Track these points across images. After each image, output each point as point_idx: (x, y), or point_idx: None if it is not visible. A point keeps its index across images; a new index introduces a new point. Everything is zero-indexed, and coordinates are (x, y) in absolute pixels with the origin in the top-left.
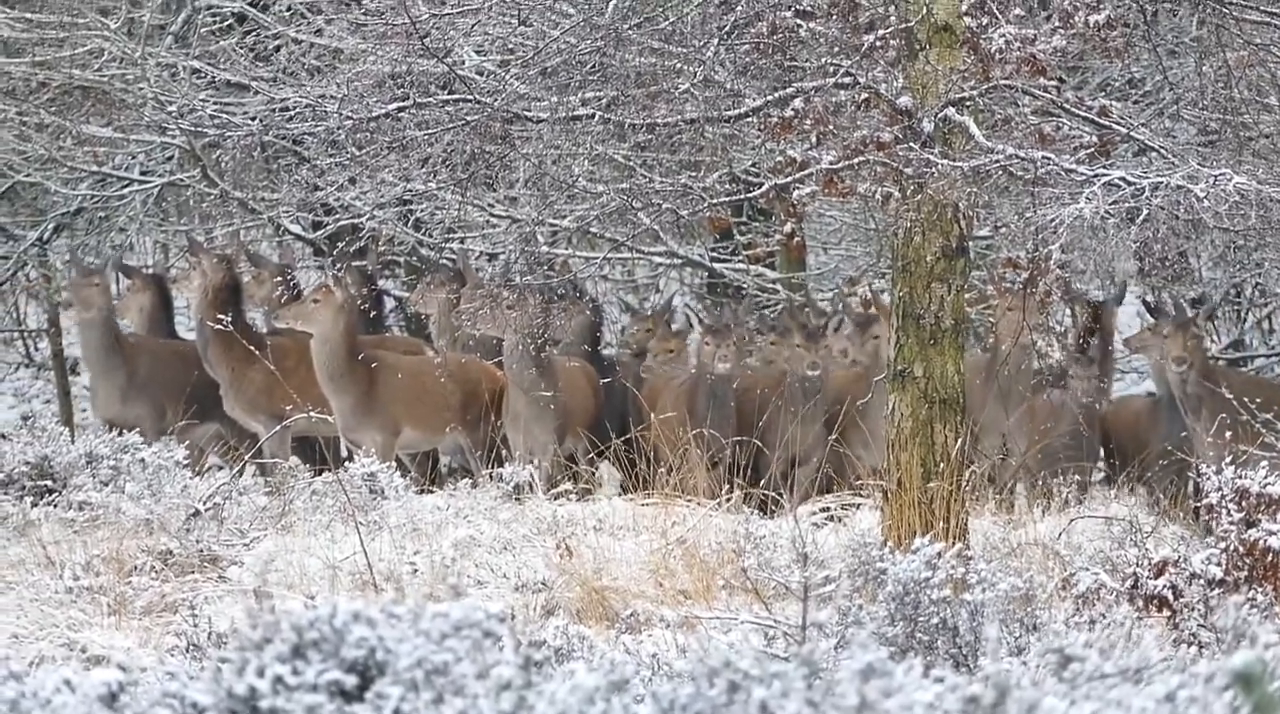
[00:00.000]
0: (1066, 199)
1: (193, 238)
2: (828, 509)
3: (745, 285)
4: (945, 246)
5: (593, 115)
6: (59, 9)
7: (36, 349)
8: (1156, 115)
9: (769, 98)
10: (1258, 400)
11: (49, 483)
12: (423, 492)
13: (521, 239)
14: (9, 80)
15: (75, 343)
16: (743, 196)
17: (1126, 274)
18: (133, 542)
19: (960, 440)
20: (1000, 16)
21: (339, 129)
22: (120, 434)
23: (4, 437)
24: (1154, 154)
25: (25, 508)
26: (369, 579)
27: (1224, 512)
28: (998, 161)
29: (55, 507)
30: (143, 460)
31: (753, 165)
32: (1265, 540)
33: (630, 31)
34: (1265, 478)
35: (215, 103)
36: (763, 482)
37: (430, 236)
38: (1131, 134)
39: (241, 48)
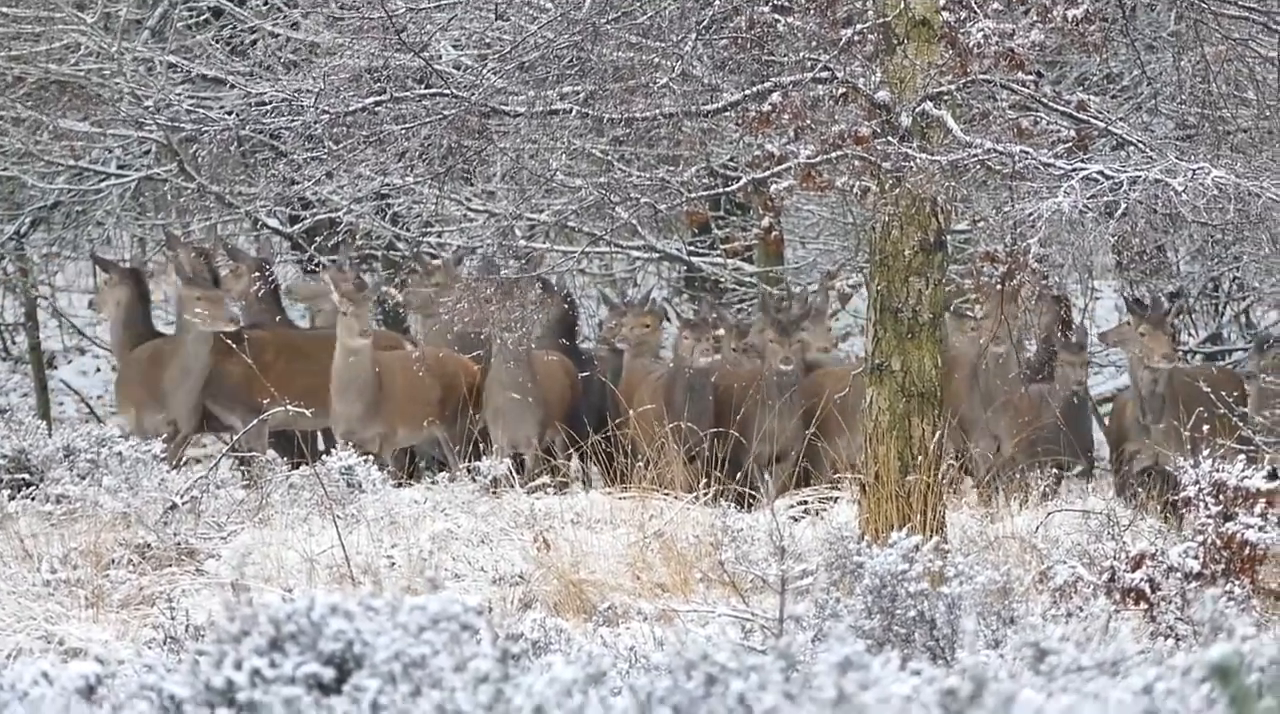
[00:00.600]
0: (1044, 193)
1: (170, 232)
2: (805, 503)
3: (723, 279)
4: (923, 241)
5: (570, 109)
6: (35, 3)
7: (14, 342)
8: (1134, 110)
9: (747, 92)
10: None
11: (26, 476)
12: (400, 485)
13: (499, 233)
14: None
15: (51, 337)
16: (720, 191)
17: (1104, 268)
18: (110, 535)
19: (938, 434)
20: (978, 11)
21: (316, 123)
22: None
23: None
24: (1132, 148)
25: (2, 501)
26: (346, 572)
27: (1201, 505)
28: (975, 156)
29: (33, 500)
30: (120, 454)
31: (730, 159)
32: (1242, 534)
33: (608, 26)
34: (1243, 471)
35: (191, 97)
36: (740, 475)
37: (407, 231)
38: (1109, 128)
39: (218, 42)
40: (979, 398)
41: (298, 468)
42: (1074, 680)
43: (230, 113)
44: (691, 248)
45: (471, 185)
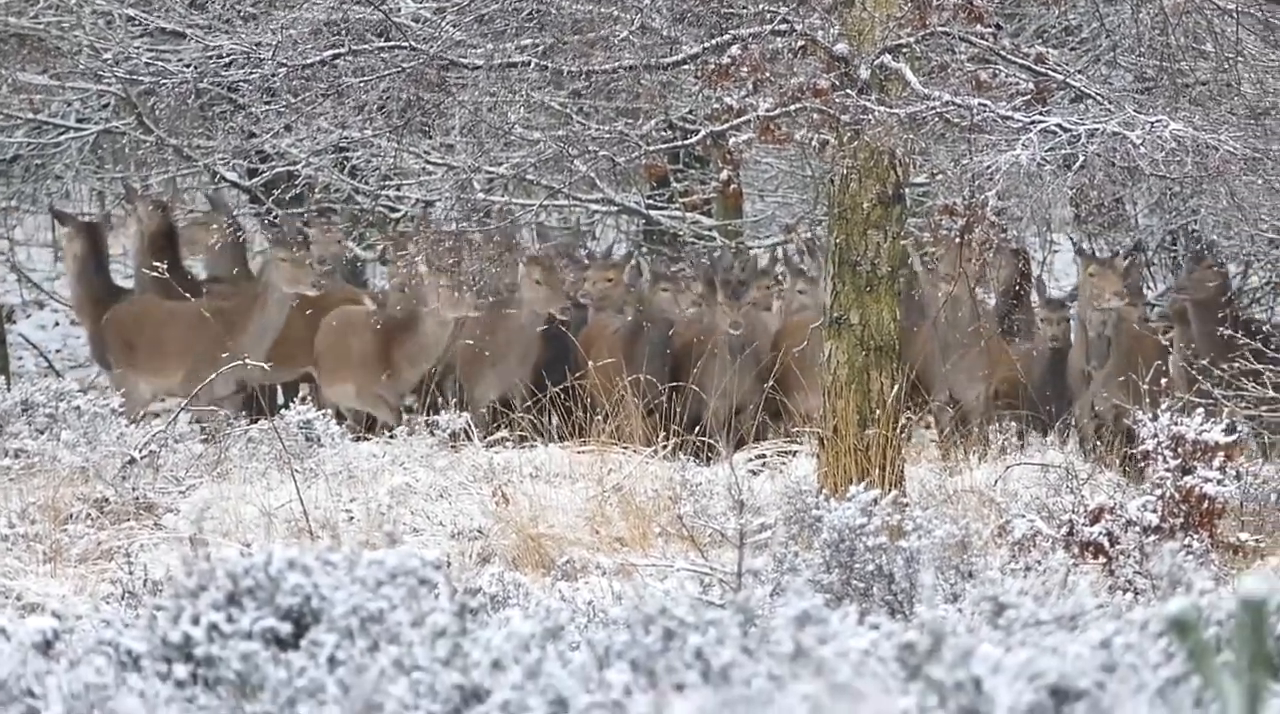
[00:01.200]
0: (1003, 146)
1: (129, 185)
2: (764, 456)
3: (682, 232)
4: (881, 193)
5: (529, 62)
6: None
7: None
8: (1093, 62)
9: (705, 45)
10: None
11: None
12: (359, 439)
13: (457, 186)
14: None
15: (10, 292)
16: (679, 144)
17: (1063, 221)
18: (68, 489)
19: (896, 387)
20: None
21: (274, 76)
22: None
23: None
24: (1090, 101)
25: None
26: (305, 526)
27: (1160, 459)
28: (934, 108)
29: None
30: (78, 408)
31: (689, 112)
32: (1201, 487)
33: None
34: (1201, 424)
35: (151, 50)
36: (698, 429)
37: (366, 184)
38: (1068, 81)
39: None
40: (938, 350)
41: (255, 422)
42: (1032, 634)
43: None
44: (650, 201)
45: (430, 138)
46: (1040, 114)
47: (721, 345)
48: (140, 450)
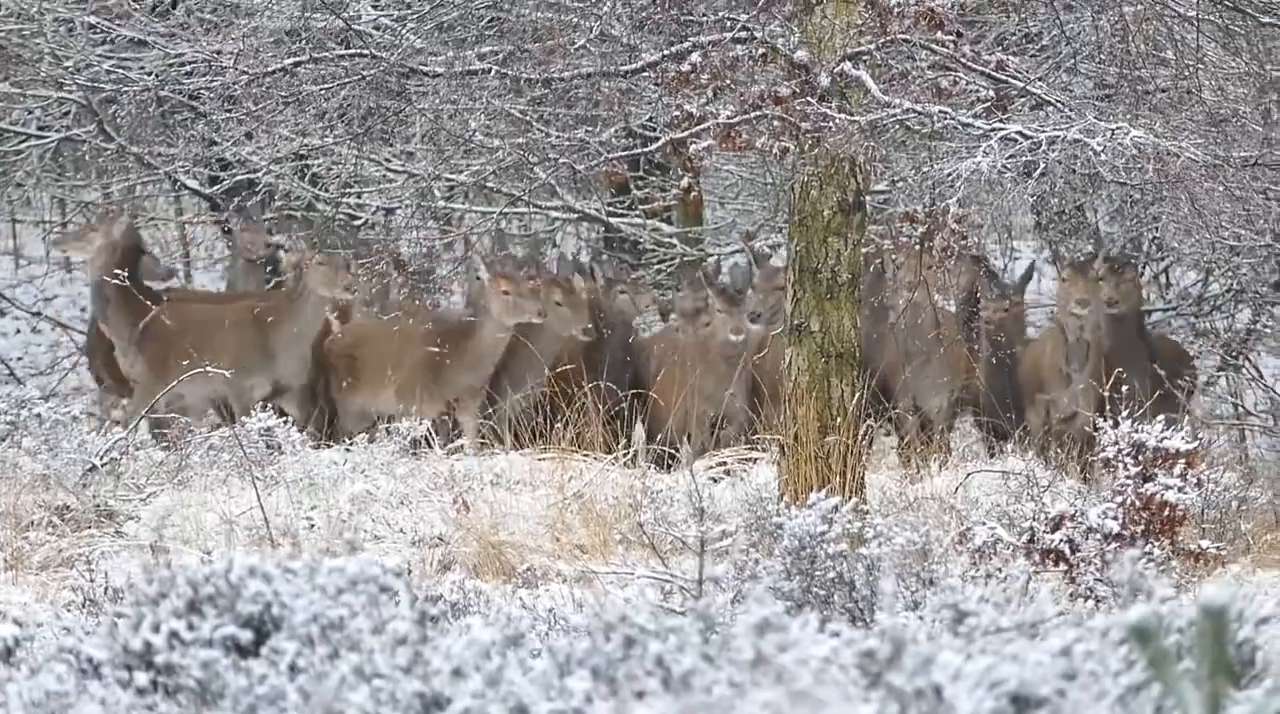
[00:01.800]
0: (963, 153)
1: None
2: (725, 463)
3: (642, 240)
4: (842, 201)
5: (489, 70)
6: None
7: None
8: (1053, 69)
9: (666, 52)
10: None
11: None
12: (319, 446)
13: (418, 194)
14: None
15: None
16: (639, 151)
17: (1024, 228)
18: (29, 497)
19: (857, 395)
20: None
21: (235, 84)
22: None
23: None
24: (1051, 108)
25: None
26: (265, 534)
27: (1121, 466)
28: (894, 116)
29: None
30: (39, 415)
31: (649, 120)
32: (1162, 494)
33: None
34: (1162, 431)
35: (112, 58)
36: (659, 437)
37: (326, 191)
38: (1028, 88)
39: (138, 3)
40: (900, 357)
41: (217, 429)
42: (993, 642)
43: (150, 74)
44: (610, 208)
45: (390, 146)
46: (1001, 121)
47: (716, 353)
48: (101, 458)
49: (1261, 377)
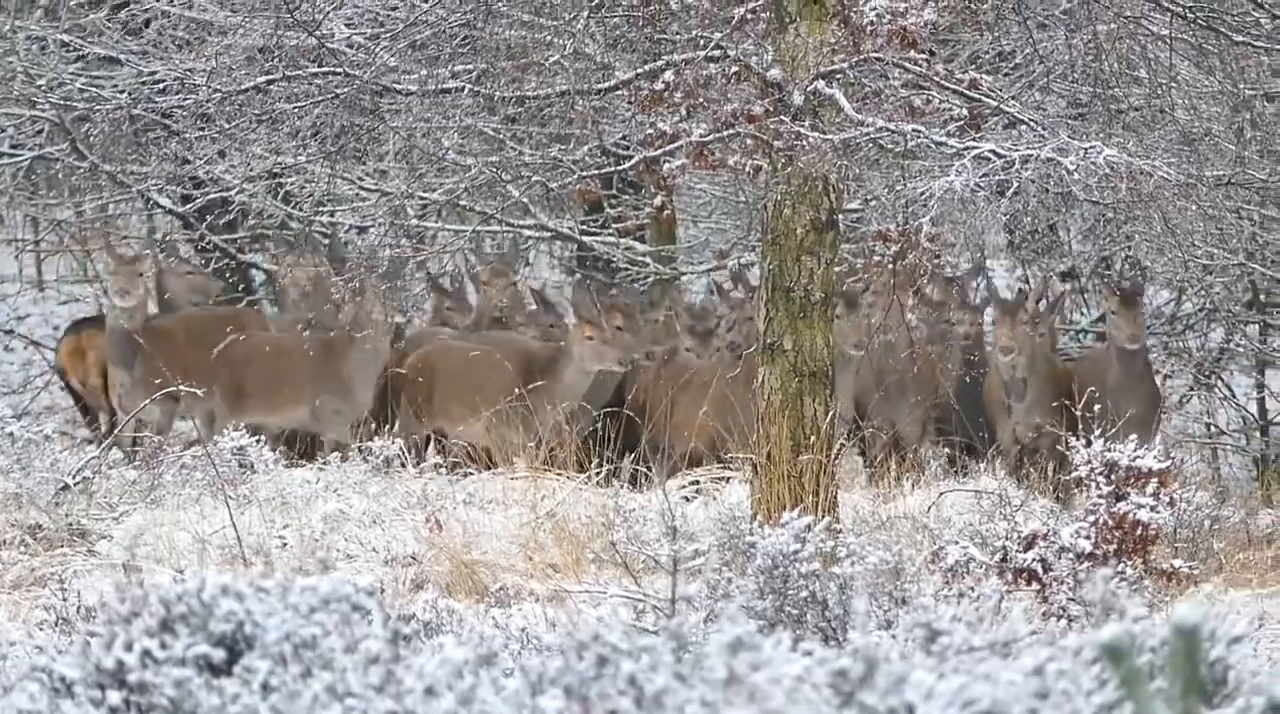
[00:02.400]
0: (936, 172)
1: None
2: (697, 483)
3: (615, 258)
4: (815, 219)
5: (462, 88)
6: None
7: None
8: (1027, 88)
9: (639, 70)
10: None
11: None
12: (292, 465)
13: (391, 212)
14: None
15: None
16: (613, 169)
17: (997, 247)
18: (2, 515)
19: (830, 414)
20: None
21: (208, 102)
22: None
23: None
24: (1024, 127)
25: None
26: (238, 553)
27: (1093, 485)
28: (868, 134)
29: None
30: (11, 434)
31: (623, 138)
32: (1134, 514)
33: (500, 4)
34: (1134, 451)
35: (85, 76)
36: (632, 456)
37: (300, 209)
38: (1001, 107)
39: (111, 21)
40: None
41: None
42: (965, 661)
43: (123, 92)
44: (584, 227)
45: (364, 164)
46: (974, 140)
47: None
48: (74, 477)
49: (1234, 396)
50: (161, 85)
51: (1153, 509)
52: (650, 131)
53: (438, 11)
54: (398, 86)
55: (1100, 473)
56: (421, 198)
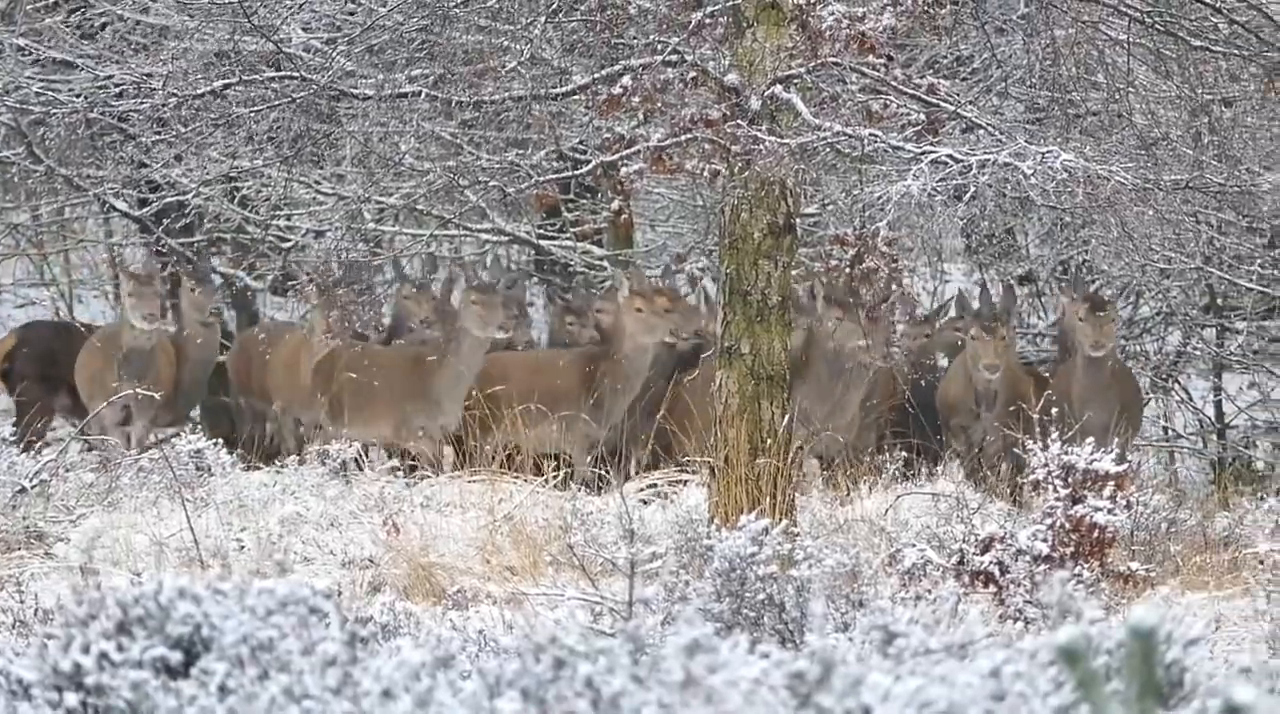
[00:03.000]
0: (893, 176)
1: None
2: (655, 485)
3: (573, 263)
4: (772, 223)
5: (419, 93)
6: None
7: None
8: (984, 93)
9: (596, 75)
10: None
11: None
12: (250, 468)
13: (347, 216)
14: None
15: None
16: (570, 174)
17: (954, 251)
18: None
19: (787, 417)
20: None
21: (164, 106)
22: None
23: None
24: (981, 131)
25: None
26: (195, 556)
27: (1050, 488)
28: (825, 139)
29: None
30: None
31: (580, 143)
32: (1091, 516)
33: (457, 9)
34: (1091, 454)
35: (41, 79)
36: (588, 459)
37: (256, 213)
38: (959, 111)
39: (68, 25)
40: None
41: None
42: (922, 663)
43: (79, 95)
44: (541, 231)
45: (321, 168)
46: (931, 145)
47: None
48: (31, 480)
49: (1191, 399)
50: (118, 89)
51: (1110, 512)
52: (607, 136)
53: (395, 16)
54: (355, 91)
55: (1057, 476)
56: (378, 202)
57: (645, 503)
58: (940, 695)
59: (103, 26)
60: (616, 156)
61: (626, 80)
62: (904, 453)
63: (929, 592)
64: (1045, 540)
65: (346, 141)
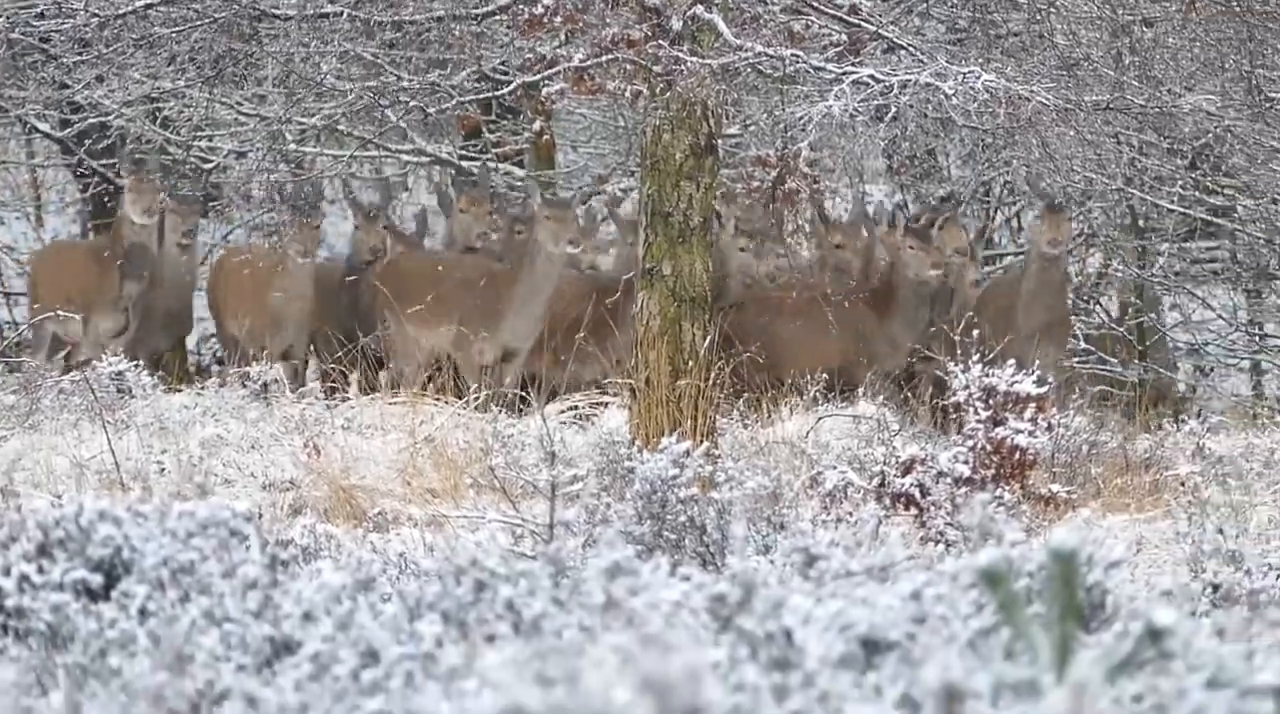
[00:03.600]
0: (815, 97)
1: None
2: (576, 408)
3: (494, 183)
4: (694, 144)
5: (341, 13)
6: None
7: None
8: (906, 13)
9: None
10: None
11: None
12: (170, 390)
13: (269, 137)
14: None
15: None
16: (491, 94)
17: (875, 172)
18: None
19: (709, 338)
20: None
21: (86, 27)
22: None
23: None
24: (903, 52)
25: None
26: (116, 478)
27: (971, 410)
28: (747, 59)
29: None
30: None
31: (502, 63)
32: (1012, 439)
33: None
34: (1013, 376)
35: None
36: (509, 380)
37: (178, 135)
38: (880, 32)
39: None
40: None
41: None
42: (843, 586)
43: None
44: (462, 152)
45: (242, 89)
46: (853, 65)
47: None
48: None
49: (1112, 319)
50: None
51: (1031, 434)
52: (529, 56)
53: None
54: (276, 11)
55: (978, 398)
56: (300, 123)
57: (566, 425)
58: (861, 618)
59: None
60: (538, 77)
61: (548, 0)
62: (825, 375)
63: (850, 514)
64: (966, 462)
65: (268, 62)
